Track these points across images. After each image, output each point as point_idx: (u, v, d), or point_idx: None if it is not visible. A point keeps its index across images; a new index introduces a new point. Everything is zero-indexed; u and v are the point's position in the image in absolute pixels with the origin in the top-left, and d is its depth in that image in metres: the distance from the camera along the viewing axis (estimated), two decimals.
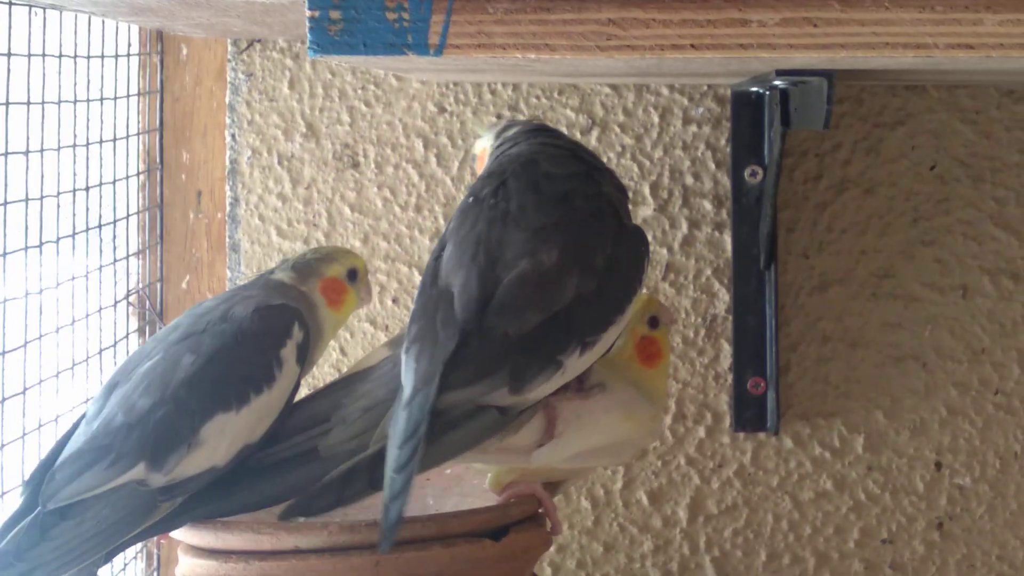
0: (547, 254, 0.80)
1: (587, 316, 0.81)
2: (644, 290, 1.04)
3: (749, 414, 1.07)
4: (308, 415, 0.86)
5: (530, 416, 0.84)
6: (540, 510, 0.88)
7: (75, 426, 0.85)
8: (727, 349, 1.08)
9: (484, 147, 0.93)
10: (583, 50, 0.66)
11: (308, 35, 0.67)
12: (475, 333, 0.78)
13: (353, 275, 0.91)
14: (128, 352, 1.07)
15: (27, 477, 0.84)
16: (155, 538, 0.88)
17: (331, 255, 0.91)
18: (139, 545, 1.07)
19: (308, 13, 0.66)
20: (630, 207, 0.88)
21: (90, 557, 0.81)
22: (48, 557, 0.79)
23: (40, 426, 0.93)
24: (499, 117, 1.08)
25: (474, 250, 0.82)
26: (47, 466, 0.82)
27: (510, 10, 0.66)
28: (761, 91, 1.02)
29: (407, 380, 0.79)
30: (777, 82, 0.88)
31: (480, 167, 0.92)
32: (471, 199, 0.85)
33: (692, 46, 0.66)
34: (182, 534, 0.85)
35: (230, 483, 0.84)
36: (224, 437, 0.82)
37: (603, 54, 0.66)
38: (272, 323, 0.85)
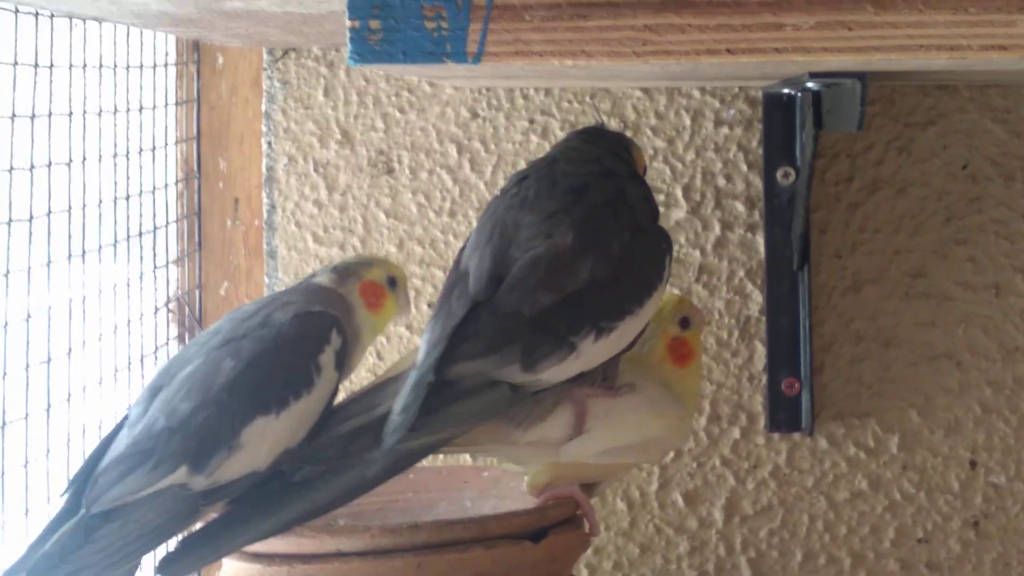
0: (561, 236, 0.83)
1: (602, 301, 0.82)
2: (676, 291, 1.05)
3: (783, 415, 1.07)
4: (344, 415, 0.87)
5: (553, 405, 0.85)
6: (578, 512, 0.89)
7: (117, 429, 0.86)
8: (761, 350, 1.08)
9: None
10: (619, 56, 0.67)
11: (348, 44, 0.67)
12: (487, 307, 0.81)
13: (393, 282, 0.92)
14: (168, 359, 1.08)
15: (70, 479, 0.85)
16: None
17: (372, 261, 0.93)
18: None
19: (348, 23, 0.67)
20: (658, 216, 0.90)
21: (133, 559, 0.82)
22: (92, 559, 0.80)
23: (84, 431, 0.94)
24: (531, 122, 1.09)
25: (490, 233, 0.85)
26: (90, 469, 0.83)
27: (547, 17, 0.67)
28: (793, 93, 1.02)
29: (422, 350, 0.82)
30: (810, 84, 0.88)
31: None
32: (497, 195, 0.89)
33: (728, 50, 0.66)
34: None
35: (267, 500, 0.84)
36: (264, 441, 0.83)
37: (639, 59, 0.66)
38: (311, 329, 0.86)
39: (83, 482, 0.83)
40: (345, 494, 0.83)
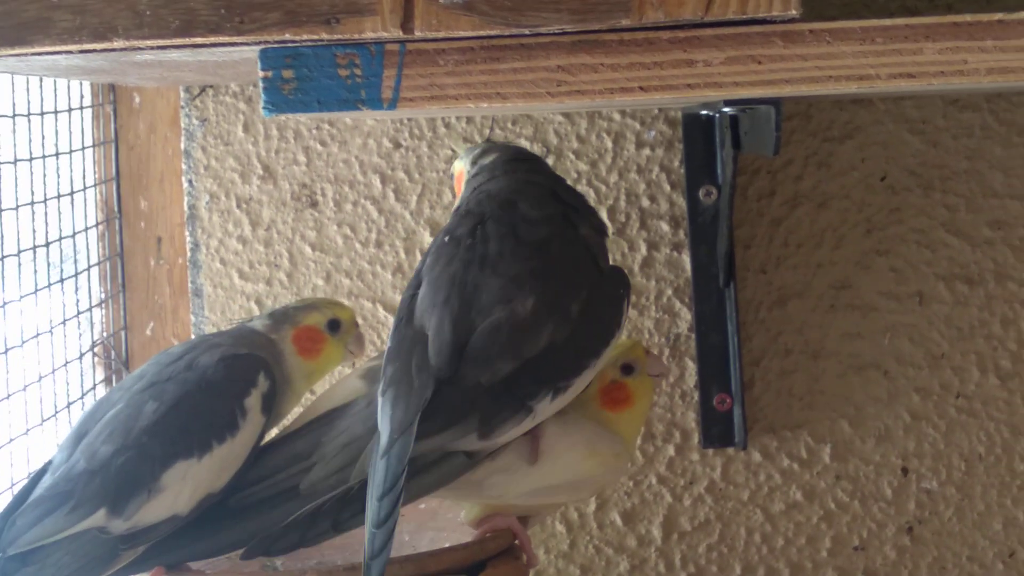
0: (522, 303, 0.81)
1: (560, 362, 0.81)
2: (627, 336, 1.04)
3: (717, 430, 1.08)
4: (288, 453, 0.86)
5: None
6: (516, 542, 0.89)
7: (41, 472, 0.85)
8: (692, 367, 1.09)
9: (461, 168, 0.93)
10: (534, 97, 0.67)
11: (262, 95, 0.67)
12: (448, 381, 0.79)
13: (335, 326, 0.91)
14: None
15: None
16: None
17: (314, 304, 0.91)
18: None
19: (261, 73, 0.67)
20: (608, 245, 0.89)
21: None
22: None
23: (12, 486, 0.93)
24: (454, 150, 1.09)
25: (447, 292, 0.82)
26: (10, 512, 0.82)
27: (460, 61, 0.67)
28: (711, 114, 1.03)
29: (383, 426, 0.79)
30: (725, 109, 0.89)
31: (458, 187, 0.93)
32: (447, 237, 0.85)
33: (640, 88, 0.67)
34: None
35: (209, 522, 0.84)
36: (186, 484, 0.82)
37: (554, 100, 0.67)
38: (236, 372, 0.86)
39: (2, 524, 0.82)
40: (260, 531, 0.82)
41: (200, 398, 0.84)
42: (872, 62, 0.66)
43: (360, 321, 1.07)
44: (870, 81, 0.66)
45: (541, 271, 0.82)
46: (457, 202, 0.90)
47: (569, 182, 0.95)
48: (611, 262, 0.92)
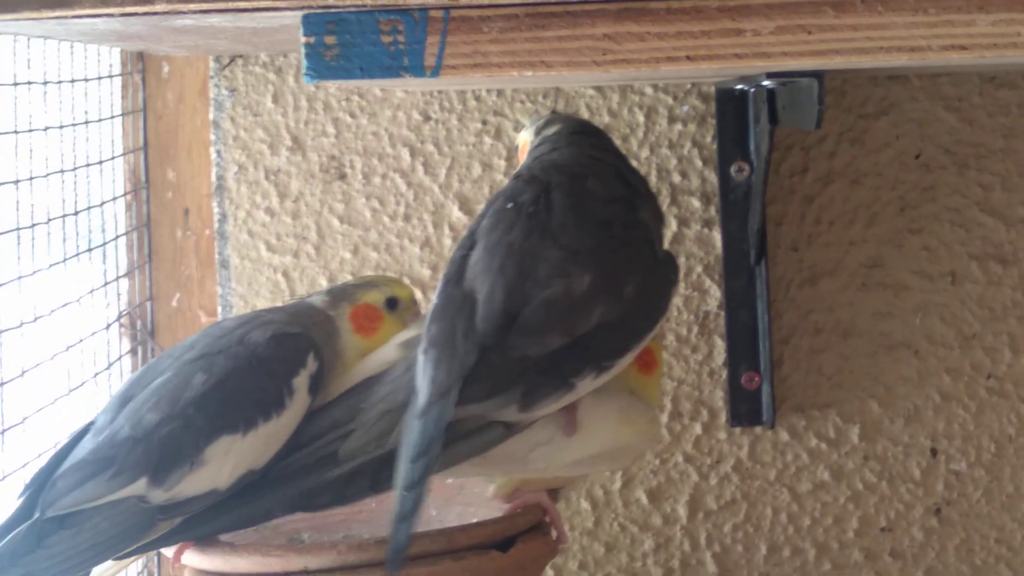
0: (579, 279, 0.80)
1: (607, 342, 0.81)
2: None
3: (745, 409, 1.08)
4: (327, 421, 0.85)
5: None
6: (546, 518, 0.89)
7: (81, 433, 0.85)
8: (720, 345, 1.08)
9: (525, 140, 0.93)
10: (579, 66, 0.66)
11: (304, 61, 0.66)
12: (494, 350, 0.78)
13: (393, 304, 0.90)
14: (122, 374, 1.07)
15: (28, 481, 0.83)
16: (168, 554, 0.87)
17: (373, 282, 0.91)
18: (141, 565, 1.07)
19: (303, 40, 0.66)
20: (663, 232, 0.88)
21: (84, 569, 0.81)
22: (43, 564, 0.79)
23: (41, 455, 0.93)
24: (484, 123, 1.08)
25: (503, 259, 0.81)
26: (49, 472, 0.82)
27: (505, 28, 0.66)
28: (746, 88, 1.02)
29: (422, 386, 0.78)
30: (765, 82, 0.88)
31: (521, 158, 0.92)
32: (509, 204, 0.84)
33: (688, 57, 0.66)
34: (190, 557, 0.85)
35: (246, 491, 0.83)
36: (228, 459, 0.82)
37: (599, 69, 0.66)
38: (288, 351, 0.85)
39: (41, 485, 0.82)
40: (295, 501, 0.83)
41: (249, 374, 0.84)
42: (924, 33, 0.65)
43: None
44: (921, 52, 0.65)
45: (602, 249, 0.82)
46: (519, 169, 0.89)
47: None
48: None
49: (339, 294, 0.90)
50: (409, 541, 0.75)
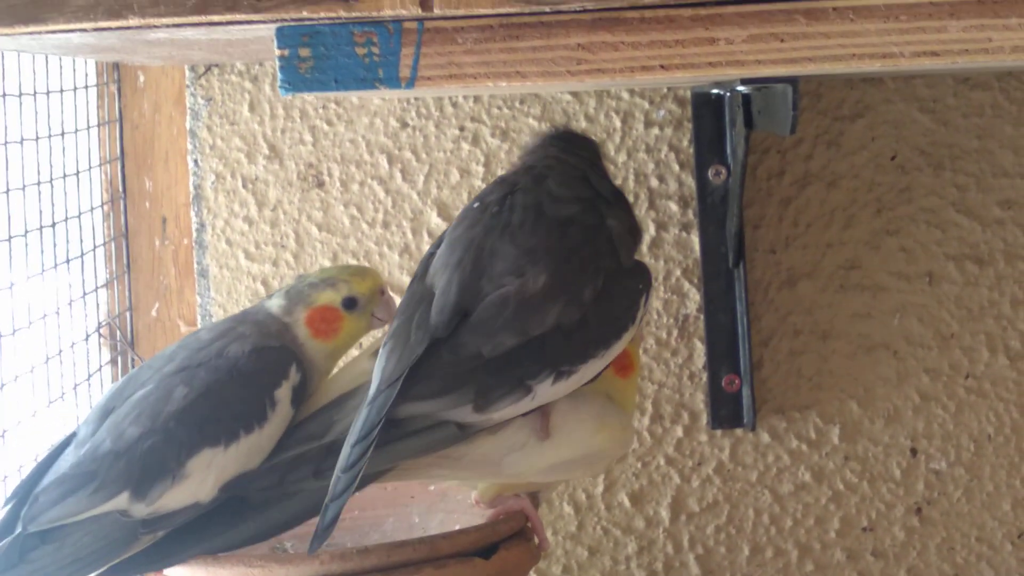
0: (534, 278, 0.80)
1: (566, 346, 0.80)
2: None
3: (725, 411, 1.08)
4: (301, 435, 0.86)
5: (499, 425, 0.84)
6: (528, 524, 0.89)
7: (63, 445, 0.84)
8: (700, 348, 1.08)
9: None
10: (554, 76, 0.66)
11: (279, 73, 0.67)
12: (447, 345, 0.79)
13: (351, 303, 0.88)
14: (103, 384, 1.06)
15: (10, 494, 0.83)
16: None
17: (331, 279, 0.89)
18: None
19: (277, 52, 0.66)
20: (640, 240, 0.88)
21: None
22: None
23: (21, 469, 0.92)
24: (462, 129, 1.08)
25: (462, 254, 0.82)
26: (31, 485, 0.82)
27: (479, 39, 0.66)
28: (722, 93, 1.02)
29: (375, 378, 0.79)
30: (740, 88, 0.88)
31: None
32: (477, 203, 0.85)
33: (662, 67, 0.66)
34: (172, 568, 0.85)
35: (224, 509, 0.84)
36: (210, 472, 0.82)
37: (574, 79, 0.66)
38: (269, 363, 0.85)
39: (23, 498, 0.81)
40: (281, 524, 0.83)
41: (231, 387, 0.83)
42: (896, 40, 0.65)
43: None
44: (894, 59, 0.65)
45: (557, 250, 0.82)
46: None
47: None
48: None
49: (295, 296, 0.88)
50: (336, 521, 0.75)
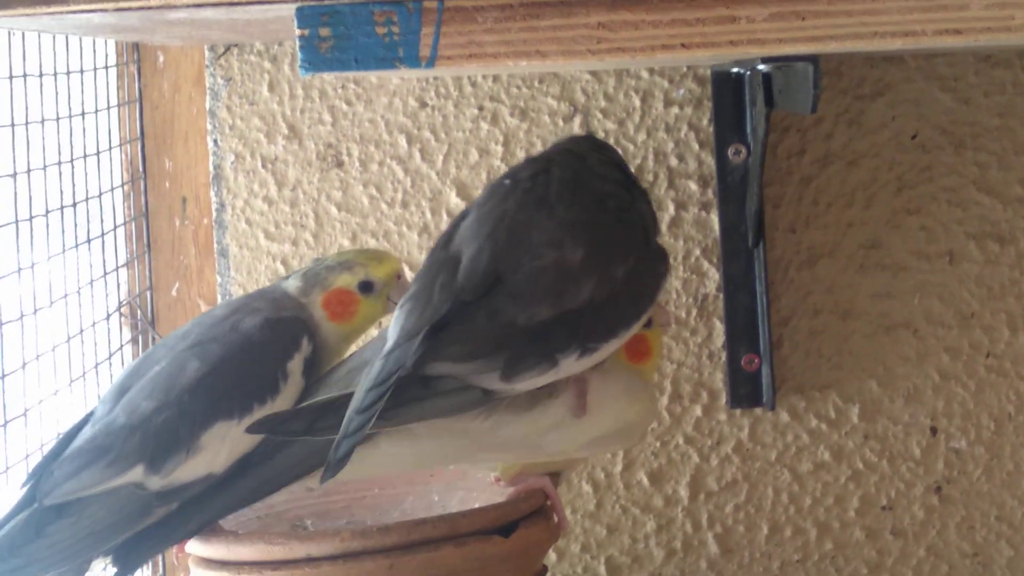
0: (572, 251, 0.80)
1: (595, 322, 0.81)
2: None
3: (744, 390, 1.08)
4: (332, 381, 0.86)
5: (531, 402, 0.84)
6: (547, 503, 0.89)
7: (82, 423, 0.85)
8: (719, 327, 1.08)
9: None
10: (574, 54, 0.66)
11: (299, 53, 0.67)
12: (483, 310, 0.79)
13: (367, 287, 0.88)
14: (123, 364, 1.07)
15: (30, 472, 0.84)
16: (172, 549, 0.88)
17: (348, 262, 0.89)
18: None
19: (298, 32, 0.66)
20: (657, 230, 0.89)
21: (83, 556, 0.82)
22: (42, 554, 0.80)
23: (43, 447, 0.93)
24: (481, 109, 1.08)
25: (494, 225, 0.81)
26: (50, 462, 0.83)
27: (499, 18, 0.66)
28: (742, 71, 1.02)
29: (392, 333, 0.79)
30: (760, 67, 0.88)
31: None
32: (507, 180, 0.85)
33: (683, 45, 0.66)
34: (193, 546, 0.86)
35: (236, 471, 0.84)
36: (224, 445, 0.82)
37: (594, 57, 0.66)
38: (281, 335, 0.85)
39: (42, 475, 0.82)
40: (301, 472, 0.83)
41: (243, 360, 0.84)
42: (918, 18, 0.65)
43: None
44: (916, 37, 0.65)
45: (596, 225, 0.82)
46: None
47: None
48: None
49: (312, 278, 0.88)
50: (348, 457, 0.75)
